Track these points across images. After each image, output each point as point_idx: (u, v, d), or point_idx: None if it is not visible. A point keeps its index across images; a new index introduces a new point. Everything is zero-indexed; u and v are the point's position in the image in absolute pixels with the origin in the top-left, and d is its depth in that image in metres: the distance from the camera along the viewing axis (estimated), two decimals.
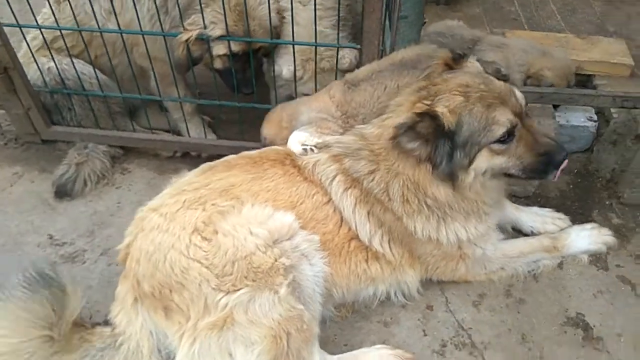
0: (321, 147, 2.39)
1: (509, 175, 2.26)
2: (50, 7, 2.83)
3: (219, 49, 2.68)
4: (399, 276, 2.49)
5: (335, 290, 2.37)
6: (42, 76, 2.96)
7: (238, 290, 2.04)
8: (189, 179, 2.38)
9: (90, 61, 3.04)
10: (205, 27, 2.60)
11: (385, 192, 2.29)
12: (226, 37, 2.62)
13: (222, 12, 2.52)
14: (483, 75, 2.19)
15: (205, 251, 2.09)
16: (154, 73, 2.86)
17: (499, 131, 2.06)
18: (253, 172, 2.38)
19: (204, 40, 2.65)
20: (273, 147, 2.56)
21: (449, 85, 2.13)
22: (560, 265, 2.72)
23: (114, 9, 2.63)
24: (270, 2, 2.65)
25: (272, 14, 2.71)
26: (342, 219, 2.35)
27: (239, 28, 2.62)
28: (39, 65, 2.94)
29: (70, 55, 2.88)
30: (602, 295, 2.63)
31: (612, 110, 3.07)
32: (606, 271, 2.72)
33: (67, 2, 2.90)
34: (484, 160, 2.13)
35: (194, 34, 2.61)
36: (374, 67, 2.51)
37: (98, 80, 2.95)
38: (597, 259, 2.76)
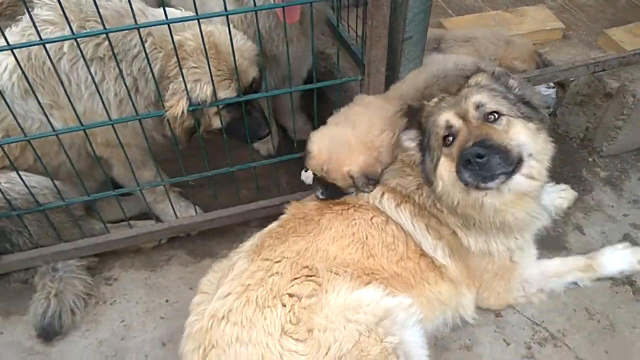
0: None
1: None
2: None
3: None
4: (459, 298, 2.42)
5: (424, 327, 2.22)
6: None
7: None
8: (246, 269, 2.07)
9: (25, 168, 2.48)
10: (189, 90, 2.23)
11: (434, 205, 2.24)
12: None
13: (205, 63, 2.16)
14: (463, 84, 2.19)
15: (304, 355, 1.85)
16: (127, 159, 2.39)
17: (441, 132, 2.05)
18: (310, 230, 2.24)
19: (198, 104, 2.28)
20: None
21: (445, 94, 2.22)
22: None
23: (70, 102, 2.12)
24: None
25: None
26: (406, 235, 2.27)
27: (223, 70, 2.29)
28: None
29: (15, 169, 2.31)
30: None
31: None
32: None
33: None
34: (445, 168, 2.07)
35: (184, 101, 2.22)
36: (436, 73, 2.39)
37: (56, 187, 2.40)
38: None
